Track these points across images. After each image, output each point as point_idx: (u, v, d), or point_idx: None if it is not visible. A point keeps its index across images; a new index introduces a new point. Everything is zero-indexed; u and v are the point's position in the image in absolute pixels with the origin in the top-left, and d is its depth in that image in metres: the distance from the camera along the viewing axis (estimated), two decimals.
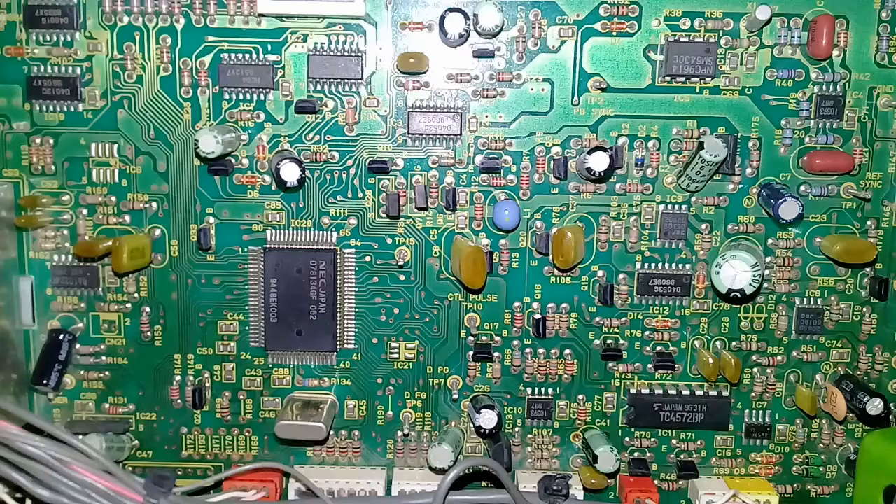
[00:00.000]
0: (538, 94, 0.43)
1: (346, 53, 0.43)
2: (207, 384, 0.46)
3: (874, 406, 0.43)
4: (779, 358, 0.46)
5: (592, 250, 0.45)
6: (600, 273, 0.45)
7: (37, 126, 0.44)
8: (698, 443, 0.47)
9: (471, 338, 0.46)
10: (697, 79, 0.43)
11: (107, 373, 0.46)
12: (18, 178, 0.44)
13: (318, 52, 0.43)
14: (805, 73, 0.43)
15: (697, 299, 0.45)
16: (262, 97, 0.43)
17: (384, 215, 0.44)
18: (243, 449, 0.47)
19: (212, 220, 0.44)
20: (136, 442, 0.47)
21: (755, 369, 0.46)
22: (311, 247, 0.44)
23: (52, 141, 0.44)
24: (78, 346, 0.45)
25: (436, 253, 0.45)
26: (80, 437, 0.40)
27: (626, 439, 0.47)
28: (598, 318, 0.45)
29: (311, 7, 0.42)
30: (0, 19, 0.43)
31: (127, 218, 0.44)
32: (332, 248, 0.44)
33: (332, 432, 0.46)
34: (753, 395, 0.46)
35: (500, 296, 0.45)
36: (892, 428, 0.45)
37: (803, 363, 0.46)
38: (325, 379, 0.46)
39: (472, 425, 0.46)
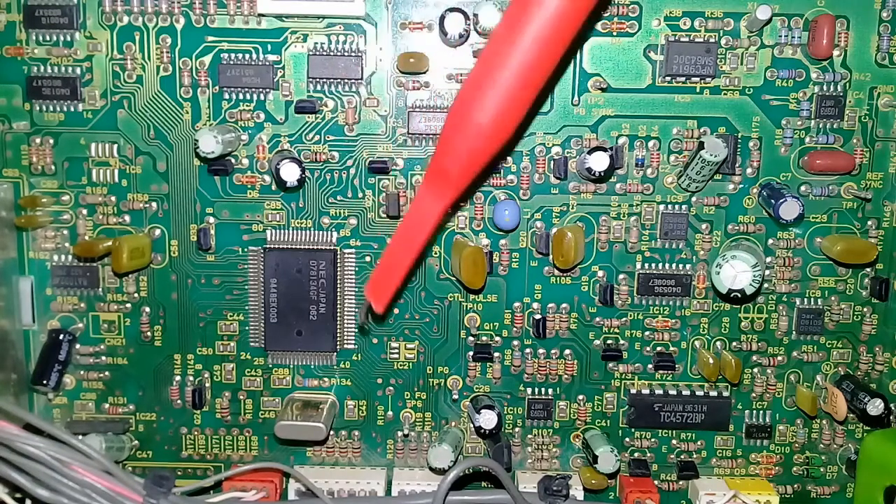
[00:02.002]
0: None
1: (346, 53, 0.43)
2: (207, 384, 0.46)
3: (875, 406, 0.43)
4: (779, 358, 0.46)
5: (592, 250, 0.45)
6: (600, 273, 0.45)
7: (37, 126, 0.44)
8: (698, 443, 0.47)
9: (471, 338, 0.46)
10: (698, 79, 0.43)
11: (107, 373, 0.46)
12: (18, 178, 0.44)
13: (318, 52, 0.43)
14: (805, 73, 0.43)
15: (698, 299, 0.45)
16: (262, 97, 0.43)
17: (384, 215, 0.44)
18: (243, 449, 0.47)
19: (212, 220, 0.44)
20: (136, 442, 0.47)
21: (755, 369, 0.46)
22: (311, 247, 0.44)
23: (51, 141, 0.44)
24: (78, 346, 0.45)
25: (436, 253, 0.45)
26: (80, 437, 0.40)
27: (627, 439, 0.47)
28: (598, 319, 0.45)
29: (311, 7, 0.42)
30: (0, 19, 0.43)
31: (127, 218, 0.44)
32: (332, 248, 0.44)
33: (331, 432, 0.46)
34: (754, 395, 0.46)
35: (500, 296, 0.45)
36: (892, 428, 0.45)
37: (804, 363, 0.46)
38: (325, 379, 0.46)
39: (472, 425, 0.46)
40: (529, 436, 0.47)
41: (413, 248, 0.38)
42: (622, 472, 0.46)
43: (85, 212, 0.44)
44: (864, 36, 0.43)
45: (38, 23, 0.42)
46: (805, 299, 0.45)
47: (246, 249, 0.45)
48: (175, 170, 0.44)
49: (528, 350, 0.46)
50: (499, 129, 0.35)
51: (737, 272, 0.41)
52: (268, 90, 0.43)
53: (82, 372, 0.46)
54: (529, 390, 0.46)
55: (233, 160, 0.44)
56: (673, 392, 0.46)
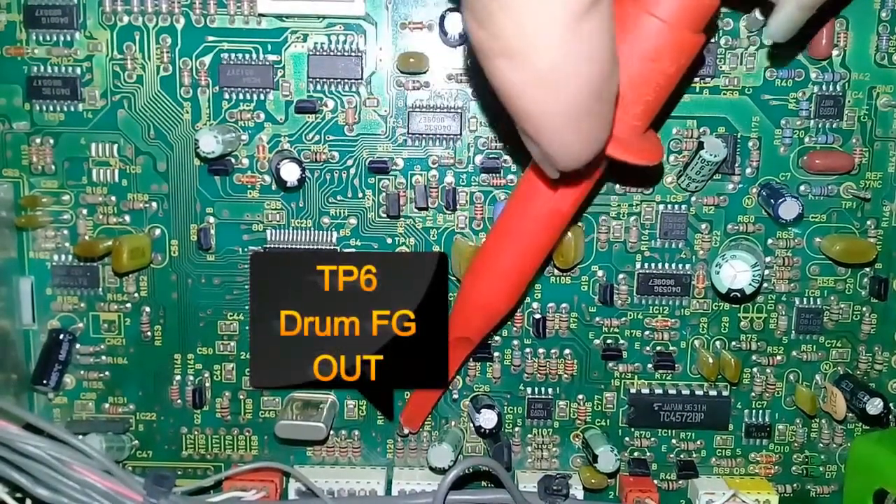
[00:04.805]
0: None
1: (346, 53, 0.43)
2: (207, 384, 0.46)
3: (874, 406, 0.43)
4: (778, 358, 0.46)
5: (592, 250, 0.45)
6: (600, 273, 0.45)
7: (37, 126, 0.44)
8: (698, 442, 0.47)
9: None
10: (697, 78, 0.43)
11: (107, 373, 0.46)
12: (18, 178, 0.44)
13: (318, 52, 0.43)
14: (805, 73, 0.43)
15: (697, 299, 0.45)
16: (262, 97, 0.43)
17: (384, 215, 0.44)
18: (243, 449, 0.47)
19: (212, 219, 0.44)
20: (136, 442, 0.47)
21: (755, 369, 0.46)
22: (311, 247, 0.44)
23: (52, 141, 0.44)
24: (78, 345, 0.45)
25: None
26: (80, 437, 0.40)
27: (626, 439, 0.47)
28: (598, 318, 0.45)
29: (311, 7, 0.42)
30: (0, 19, 0.43)
31: (127, 218, 0.44)
32: (332, 247, 0.44)
33: (332, 432, 0.46)
34: (753, 394, 0.46)
35: None
36: (880, 431, 0.45)
37: (803, 363, 0.46)
38: None
39: (472, 425, 0.46)
40: (529, 435, 0.47)
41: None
42: (622, 471, 0.46)
43: (85, 212, 0.44)
44: (864, 36, 0.43)
45: (39, 23, 0.42)
46: (804, 299, 0.45)
47: (246, 249, 0.45)
48: (175, 170, 0.44)
49: (527, 350, 0.46)
50: (510, 303, 0.41)
51: (736, 272, 0.41)
52: (268, 90, 0.43)
53: (82, 372, 0.46)
54: (529, 390, 0.46)
55: (233, 160, 0.44)
56: (672, 391, 0.46)
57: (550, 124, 0.28)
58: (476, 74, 0.43)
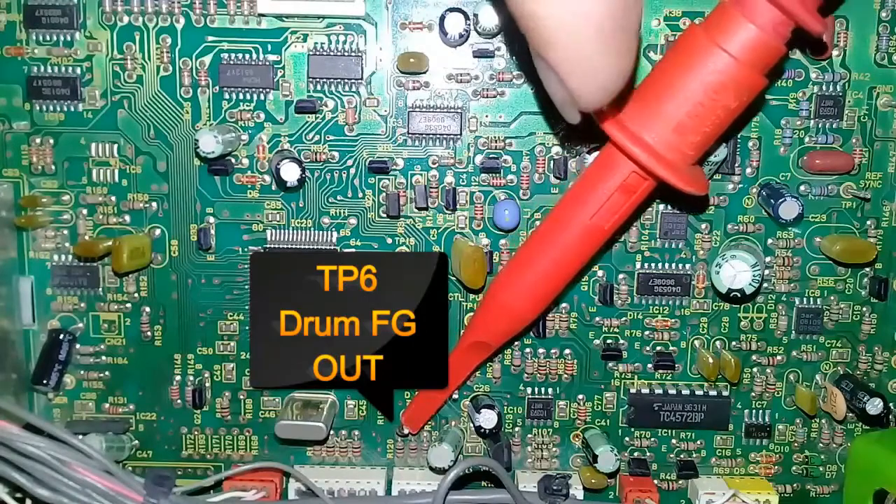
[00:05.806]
0: (538, 93, 0.43)
1: (346, 53, 0.43)
2: (207, 384, 0.46)
3: (874, 406, 0.43)
4: (778, 358, 0.46)
5: None
6: (600, 273, 0.45)
7: (37, 126, 0.44)
8: (698, 442, 0.47)
9: None
10: None
11: (107, 373, 0.46)
12: (18, 178, 0.44)
13: (318, 52, 0.43)
14: (805, 73, 0.43)
15: (697, 299, 0.45)
16: (262, 97, 0.43)
17: (384, 215, 0.44)
18: (243, 449, 0.47)
19: (212, 219, 0.44)
20: (136, 442, 0.47)
21: (755, 369, 0.46)
22: (311, 247, 0.44)
23: (52, 141, 0.44)
24: (78, 345, 0.45)
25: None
26: (80, 437, 0.40)
27: (626, 439, 0.47)
28: (598, 318, 0.45)
29: (311, 7, 0.42)
30: (0, 19, 0.43)
31: (127, 218, 0.44)
32: (332, 248, 0.44)
33: (332, 432, 0.46)
34: (753, 394, 0.46)
35: None
36: (880, 431, 0.45)
37: (803, 363, 0.46)
38: None
39: (472, 425, 0.46)
40: (529, 435, 0.47)
41: (450, 388, 0.45)
42: (622, 471, 0.46)
43: (85, 212, 0.44)
44: (864, 36, 0.43)
45: (39, 23, 0.42)
46: (804, 299, 0.45)
47: (246, 249, 0.45)
48: (175, 170, 0.44)
49: (527, 349, 0.46)
50: (536, 311, 0.42)
51: (736, 272, 0.41)
52: (268, 90, 0.43)
53: (82, 372, 0.46)
54: (529, 390, 0.46)
55: (233, 160, 0.44)
56: (672, 391, 0.46)
57: (572, 45, 0.28)
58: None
